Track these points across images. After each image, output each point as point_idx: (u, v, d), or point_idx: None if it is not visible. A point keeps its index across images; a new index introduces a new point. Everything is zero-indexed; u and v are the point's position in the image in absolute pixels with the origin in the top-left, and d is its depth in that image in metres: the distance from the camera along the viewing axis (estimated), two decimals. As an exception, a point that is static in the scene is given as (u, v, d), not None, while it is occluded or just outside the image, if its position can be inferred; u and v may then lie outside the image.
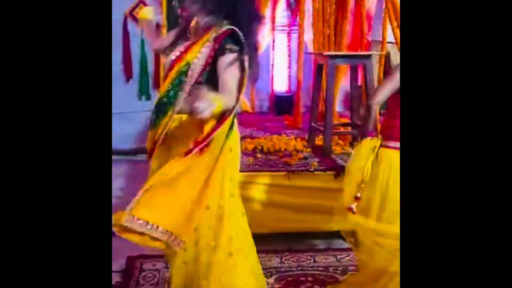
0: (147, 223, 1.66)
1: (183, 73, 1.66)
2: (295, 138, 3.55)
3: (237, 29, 1.65)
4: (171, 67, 1.71)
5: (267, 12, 4.67)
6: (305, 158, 3.08)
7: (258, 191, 2.81)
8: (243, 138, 3.03)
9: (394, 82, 1.81)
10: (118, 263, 2.51)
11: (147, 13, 1.97)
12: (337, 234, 2.86)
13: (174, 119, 1.72)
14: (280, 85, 5.13)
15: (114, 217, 1.63)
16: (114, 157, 1.97)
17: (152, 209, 1.68)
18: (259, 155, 3.14)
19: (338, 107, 4.37)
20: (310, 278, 2.46)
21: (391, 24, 3.64)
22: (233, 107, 1.67)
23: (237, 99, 1.67)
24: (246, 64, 1.66)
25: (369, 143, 1.99)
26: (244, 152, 3.05)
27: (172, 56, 1.73)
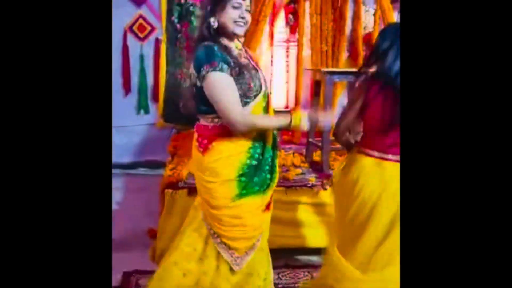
0: None
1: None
2: (293, 154, 3.56)
3: None
4: None
5: (266, 28, 4.72)
6: (302, 173, 3.09)
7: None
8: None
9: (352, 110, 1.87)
10: (114, 278, 2.49)
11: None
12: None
13: None
14: (279, 101, 5.16)
15: None
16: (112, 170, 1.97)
17: None
18: (257, 170, 3.14)
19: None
20: (307, 295, 2.44)
21: None
22: None
23: None
24: None
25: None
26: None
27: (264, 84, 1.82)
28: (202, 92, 1.69)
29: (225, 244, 1.77)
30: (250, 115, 1.69)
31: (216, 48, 1.68)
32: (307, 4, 4.09)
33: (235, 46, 1.77)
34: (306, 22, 4.16)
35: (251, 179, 1.73)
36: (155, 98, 4.57)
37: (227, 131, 1.69)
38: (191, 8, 4.33)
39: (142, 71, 4.56)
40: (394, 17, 3.68)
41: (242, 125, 1.64)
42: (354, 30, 4.30)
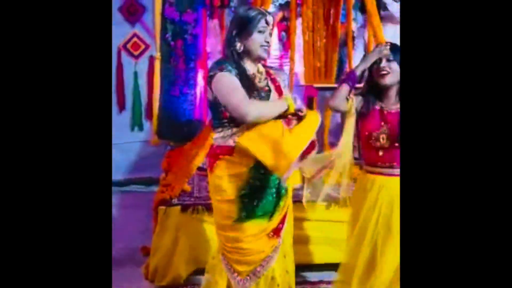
0: None
1: None
2: (287, 169, 3.55)
3: None
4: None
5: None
6: (297, 189, 3.08)
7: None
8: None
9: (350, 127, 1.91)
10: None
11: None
12: (329, 266, 2.85)
13: None
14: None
15: None
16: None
17: None
18: (251, 186, 3.13)
19: (329, 138, 4.41)
20: (303, 311, 2.43)
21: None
22: None
23: None
24: None
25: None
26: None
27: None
28: (213, 105, 1.75)
29: (230, 265, 1.77)
30: (255, 104, 1.68)
31: (228, 62, 1.73)
32: (299, 21, 4.15)
33: (257, 69, 1.80)
34: (299, 39, 4.21)
35: (254, 201, 1.72)
36: (149, 115, 4.58)
37: (231, 150, 1.71)
38: (184, 26, 4.38)
39: (136, 88, 4.58)
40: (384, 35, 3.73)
41: (251, 117, 1.63)
42: (346, 46, 4.37)
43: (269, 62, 5.08)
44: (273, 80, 1.83)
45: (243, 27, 1.73)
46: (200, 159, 3.14)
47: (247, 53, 1.75)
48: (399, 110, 1.83)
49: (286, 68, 4.75)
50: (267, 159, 1.62)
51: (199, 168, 3.15)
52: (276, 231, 1.76)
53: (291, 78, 4.25)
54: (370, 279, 1.88)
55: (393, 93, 1.91)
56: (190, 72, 5.27)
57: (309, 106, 3.45)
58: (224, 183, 1.72)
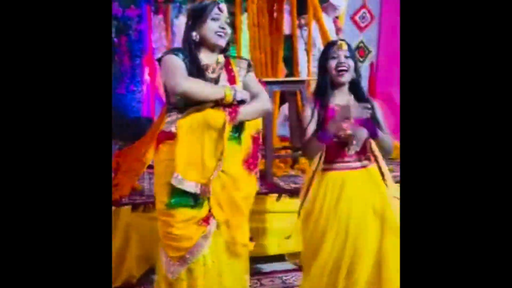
0: None
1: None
2: (237, 163, 3.59)
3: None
4: None
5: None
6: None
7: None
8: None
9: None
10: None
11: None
12: (281, 257, 2.93)
13: None
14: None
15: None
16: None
17: None
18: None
19: (277, 131, 4.49)
20: (257, 302, 2.48)
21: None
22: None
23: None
24: None
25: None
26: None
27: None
28: (165, 90, 1.80)
29: (164, 250, 1.80)
30: (191, 79, 1.70)
31: (182, 50, 1.78)
32: (245, 16, 4.18)
33: (217, 60, 1.82)
34: (245, 35, 4.24)
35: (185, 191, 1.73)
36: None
37: (172, 135, 1.73)
38: (128, 22, 4.29)
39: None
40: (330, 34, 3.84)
41: (181, 88, 1.65)
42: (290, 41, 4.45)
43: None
44: (229, 70, 1.84)
45: (197, 16, 1.79)
46: (150, 157, 3.11)
47: (203, 42, 1.79)
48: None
49: (233, 63, 4.78)
50: (179, 159, 1.67)
51: (149, 166, 3.12)
52: (206, 219, 1.76)
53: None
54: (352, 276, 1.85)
55: (345, 89, 1.92)
56: (136, 69, 5.18)
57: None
58: (162, 167, 1.77)
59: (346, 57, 1.88)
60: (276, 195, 2.90)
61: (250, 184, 1.88)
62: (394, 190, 1.88)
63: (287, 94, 3.62)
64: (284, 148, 3.79)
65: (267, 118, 3.22)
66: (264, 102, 1.84)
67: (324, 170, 1.91)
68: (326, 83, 1.92)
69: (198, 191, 1.71)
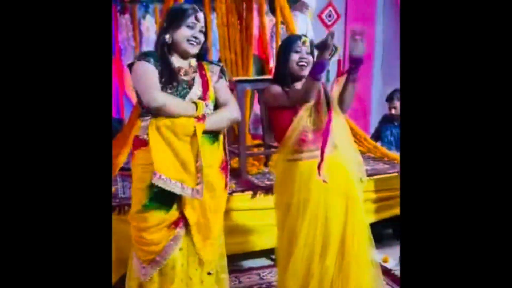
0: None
1: (214, 107, 1.86)
2: (211, 162, 3.59)
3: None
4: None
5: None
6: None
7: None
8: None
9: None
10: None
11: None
12: (258, 253, 2.95)
13: None
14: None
15: None
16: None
17: None
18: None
19: (250, 129, 4.52)
20: (236, 299, 2.50)
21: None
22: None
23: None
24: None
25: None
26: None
27: (195, 97, 1.79)
28: (137, 95, 1.80)
29: (137, 254, 1.82)
30: (165, 94, 1.72)
31: (154, 53, 1.79)
32: (214, 15, 4.18)
33: (189, 63, 1.85)
34: (214, 34, 4.24)
35: (152, 193, 1.74)
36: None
37: (146, 143, 1.73)
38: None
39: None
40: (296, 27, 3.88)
41: (156, 103, 1.67)
42: (260, 39, 4.48)
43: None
44: (203, 75, 1.86)
45: (173, 19, 1.80)
46: (122, 159, 3.08)
47: (175, 46, 1.81)
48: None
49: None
50: (157, 161, 1.68)
51: (122, 168, 3.08)
52: (176, 222, 1.78)
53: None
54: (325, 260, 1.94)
55: (301, 82, 2.00)
56: (104, 70, 5.08)
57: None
58: (138, 171, 1.79)
59: (307, 53, 2.00)
60: (251, 192, 2.92)
61: (223, 192, 1.90)
62: (359, 174, 2.00)
63: (258, 93, 3.65)
64: (257, 146, 3.82)
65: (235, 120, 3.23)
66: (232, 111, 1.87)
67: (291, 160, 1.99)
68: (286, 74, 2.01)
69: (187, 194, 1.71)
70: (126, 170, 3.03)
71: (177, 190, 1.69)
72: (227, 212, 2.87)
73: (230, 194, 2.86)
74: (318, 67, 1.82)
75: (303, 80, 1.98)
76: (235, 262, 2.89)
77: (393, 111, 3.90)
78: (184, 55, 1.83)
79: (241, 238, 2.86)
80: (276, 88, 2.00)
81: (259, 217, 2.84)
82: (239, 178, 3.16)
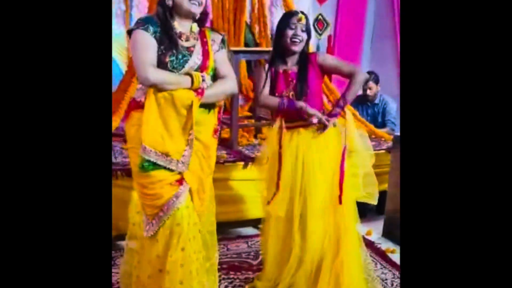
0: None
1: (211, 78, 1.85)
2: (201, 132, 3.60)
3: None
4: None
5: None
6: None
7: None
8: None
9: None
10: None
11: None
12: (246, 223, 3.02)
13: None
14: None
15: None
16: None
17: None
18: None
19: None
20: (225, 266, 2.55)
21: None
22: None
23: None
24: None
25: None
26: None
27: (194, 65, 1.79)
28: None
29: (142, 208, 1.85)
30: (159, 72, 1.72)
31: (154, 19, 1.77)
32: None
33: (190, 28, 1.82)
34: (207, 2, 4.17)
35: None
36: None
37: (143, 106, 1.73)
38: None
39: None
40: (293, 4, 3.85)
41: (150, 82, 1.69)
42: (252, 10, 4.44)
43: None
44: (204, 43, 1.85)
45: None
46: (114, 125, 3.06)
47: (177, 7, 1.78)
48: (297, 70, 2.07)
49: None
50: (146, 133, 1.71)
51: (114, 135, 3.06)
52: (179, 181, 1.80)
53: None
54: (306, 230, 2.06)
55: (296, 56, 2.09)
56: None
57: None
58: (133, 131, 1.80)
59: (302, 30, 2.05)
60: (242, 163, 2.96)
61: (215, 152, 1.95)
62: (354, 145, 2.11)
63: (253, 64, 3.64)
64: (247, 117, 3.83)
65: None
66: (230, 85, 1.87)
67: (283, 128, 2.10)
68: (281, 49, 2.10)
69: (174, 167, 1.74)
70: (118, 136, 3.02)
71: (163, 162, 1.72)
72: (218, 181, 2.92)
73: (222, 163, 2.91)
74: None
75: (294, 57, 2.10)
76: (224, 230, 2.95)
77: (368, 91, 3.98)
78: (187, 17, 1.80)
79: (232, 207, 2.91)
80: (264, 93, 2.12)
81: (250, 187, 2.88)
82: (230, 149, 3.18)
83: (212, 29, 1.96)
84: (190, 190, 1.83)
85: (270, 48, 3.83)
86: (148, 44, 1.71)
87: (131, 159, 1.84)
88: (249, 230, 3.03)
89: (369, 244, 2.85)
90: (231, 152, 3.12)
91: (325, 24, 5.29)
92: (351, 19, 5.36)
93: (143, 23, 1.74)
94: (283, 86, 2.08)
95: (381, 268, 2.62)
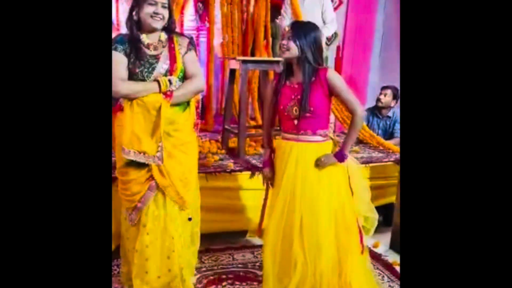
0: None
1: (181, 79, 2.05)
2: (209, 141, 3.61)
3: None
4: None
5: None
6: (221, 159, 3.17)
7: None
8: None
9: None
10: None
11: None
12: (252, 232, 3.00)
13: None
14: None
15: None
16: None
17: None
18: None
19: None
20: (230, 276, 2.54)
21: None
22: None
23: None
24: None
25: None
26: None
27: (162, 70, 1.99)
28: None
29: (123, 203, 2.13)
30: (128, 84, 1.95)
31: (124, 37, 2.00)
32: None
33: (159, 37, 2.03)
34: (216, 11, 4.20)
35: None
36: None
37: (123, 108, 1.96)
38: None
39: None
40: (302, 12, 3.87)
41: (120, 94, 1.93)
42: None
43: (186, 34, 5.02)
44: (171, 48, 2.03)
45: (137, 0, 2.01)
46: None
47: (142, 23, 2.00)
48: (302, 84, 2.02)
49: (204, 40, 4.73)
50: (125, 137, 1.93)
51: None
52: (150, 178, 2.04)
53: (210, 50, 4.27)
54: (303, 239, 2.03)
55: (297, 71, 2.05)
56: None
57: (231, 78, 3.50)
58: (117, 131, 2.00)
59: (288, 38, 2.03)
60: (249, 172, 2.95)
61: (196, 144, 2.20)
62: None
63: (261, 74, 3.65)
64: (255, 127, 3.83)
65: (242, 99, 3.24)
66: (197, 83, 2.05)
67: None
68: (286, 62, 2.10)
69: (150, 161, 1.96)
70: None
71: (141, 159, 1.95)
72: (225, 190, 2.92)
73: (228, 172, 2.91)
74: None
75: (297, 70, 2.07)
76: (230, 239, 2.94)
77: (379, 103, 3.98)
78: (151, 31, 2.01)
79: (238, 217, 2.90)
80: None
81: (257, 197, 2.86)
82: (237, 158, 3.18)
83: (180, 34, 2.16)
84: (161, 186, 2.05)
85: (280, 59, 3.88)
86: (117, 61, 1.95)
87: (117, 156, 2.05)
88: (255, 240, 3.01)
89: (376, 257, 2.82)
90: (238, 161, 3.12)
91: (334, 35, 5.29)
92: (360, 29, 5.37)
93: (113, 43, 1.98)
94: (286, 100, 2.06)
95: (388, 281, 2.59)
